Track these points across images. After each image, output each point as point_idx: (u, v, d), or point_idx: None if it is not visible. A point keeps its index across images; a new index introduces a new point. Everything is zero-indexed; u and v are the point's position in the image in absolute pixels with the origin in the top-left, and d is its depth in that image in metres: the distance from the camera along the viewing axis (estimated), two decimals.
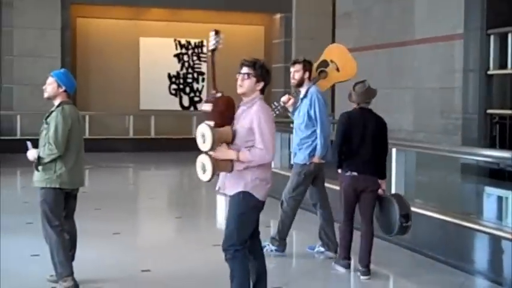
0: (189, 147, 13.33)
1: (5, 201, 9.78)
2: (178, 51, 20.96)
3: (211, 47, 4.87)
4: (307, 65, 6.77)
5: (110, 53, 20.14)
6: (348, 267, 6.39)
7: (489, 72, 11.42)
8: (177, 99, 20.99)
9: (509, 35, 11.18)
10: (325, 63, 6.94)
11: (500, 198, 9.17)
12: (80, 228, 5.96)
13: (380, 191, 6.15)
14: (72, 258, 5.77)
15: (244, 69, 4.79)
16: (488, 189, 10.11)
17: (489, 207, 9.18)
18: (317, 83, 6.86)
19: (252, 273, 4.86)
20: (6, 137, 17.57)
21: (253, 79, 4.76)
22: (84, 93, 19.21)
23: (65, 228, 5.69)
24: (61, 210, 5.65)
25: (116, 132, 19.12)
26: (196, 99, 21.04)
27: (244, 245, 4.71)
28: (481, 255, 6.39)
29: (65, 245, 5.59)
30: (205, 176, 4.67)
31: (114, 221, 8.65)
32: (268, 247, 6.76)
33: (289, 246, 7.24)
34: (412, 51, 13.48)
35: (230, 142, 4.71)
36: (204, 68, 21.05)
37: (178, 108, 20.90)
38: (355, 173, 6.10)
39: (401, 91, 13.81)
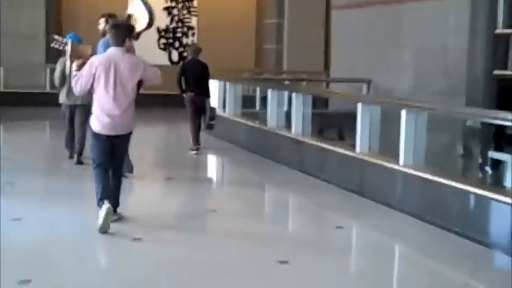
0: (178, 103, 12.77)
1: None
2: (168, 4, 20.29)
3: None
4: (108, 19, 8.05)
5: (98, 5, 19.37)
6: (198, 150, 10.49)
7: (497, 32, 10.94)
8: (166, 54, 20.40)
9: None
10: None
11: None
12: (67, 194, 5.47)
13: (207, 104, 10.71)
14: (79, 150, 8.99)
15: None
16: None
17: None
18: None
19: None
20: None
21: None
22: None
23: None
24: (67, 119, 9.20)
25: None
26: (185, 54, 20.39)
27: (98, 163, 6.07)
28: (493, 224, 5.98)
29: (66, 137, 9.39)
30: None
31: None
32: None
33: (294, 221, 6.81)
34: (414, 8, 12.95)
35: None
36: (194, 22, 20.45)
37: (168, 63, 20.19)
38: (193, 94, 10.59)
39: (402, 50, 13.34)
